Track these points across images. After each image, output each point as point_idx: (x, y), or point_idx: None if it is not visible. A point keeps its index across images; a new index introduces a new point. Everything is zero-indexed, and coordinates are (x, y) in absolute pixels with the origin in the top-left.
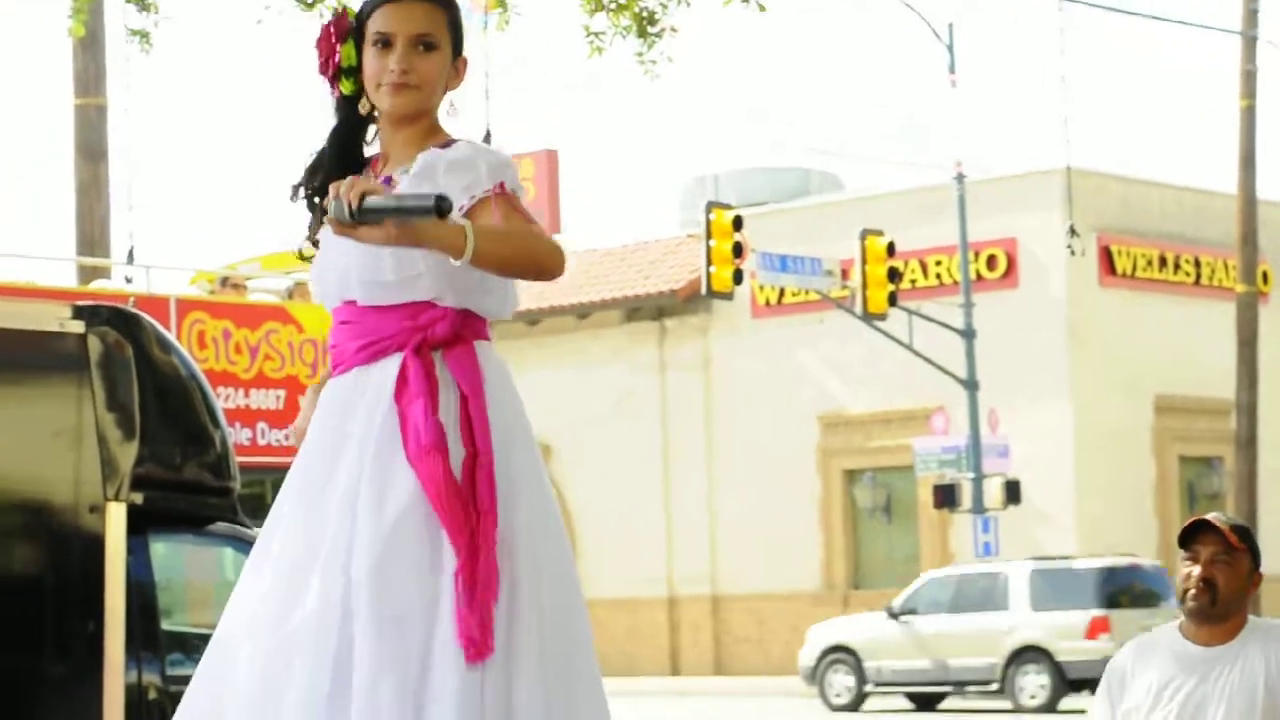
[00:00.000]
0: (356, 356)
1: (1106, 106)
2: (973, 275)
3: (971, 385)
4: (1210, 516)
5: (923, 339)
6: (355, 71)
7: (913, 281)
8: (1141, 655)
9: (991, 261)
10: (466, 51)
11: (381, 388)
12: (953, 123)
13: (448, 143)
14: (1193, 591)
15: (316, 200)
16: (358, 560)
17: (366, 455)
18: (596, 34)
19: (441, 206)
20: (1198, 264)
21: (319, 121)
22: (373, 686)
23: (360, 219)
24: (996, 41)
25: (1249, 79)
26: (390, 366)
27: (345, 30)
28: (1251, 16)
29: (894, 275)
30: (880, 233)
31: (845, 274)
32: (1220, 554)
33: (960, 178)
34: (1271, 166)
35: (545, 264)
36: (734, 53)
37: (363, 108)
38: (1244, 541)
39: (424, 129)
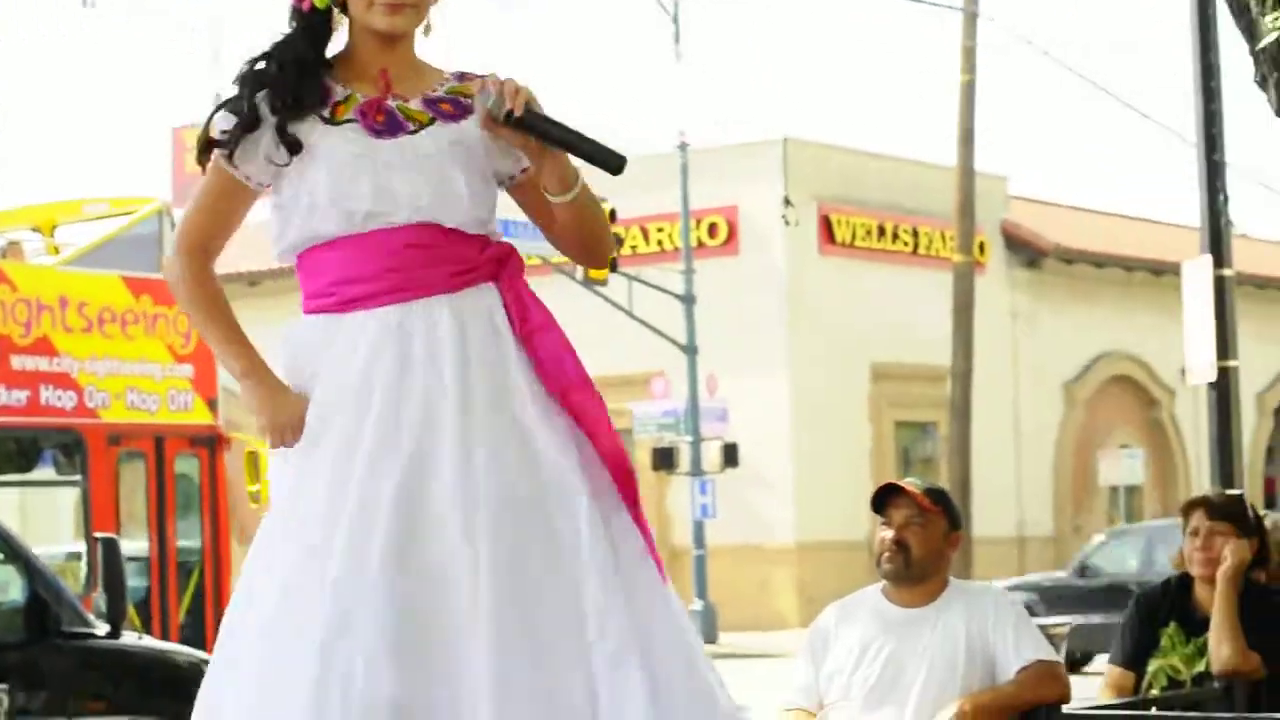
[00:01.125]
0: (450, 282)
1: (829, 79)
2: (694, 242)
3: (691, 350)
4: (904, 481)
5: (644, 305)
6: None
7: (634, 248)
8: (845, 617)
9: (713, 229)
10: None
11: (494, 318)
12: (677, 92)
13: (465, 75)
14: (886, 554)
15: (263, 115)
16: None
17: (489, 389)
18: None
19: (621, 166)
20: (916, 234)
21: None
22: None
23: (515, 123)
24: (722, 12)
25: (969, 54)
26: (486, 296)
27: None
28: None
29: (616, 241)
30: (603, 200)
31: None
32: (914, 517)
33: (683, 146)
34: (989, 140)
35: (607, 242)
36: (450, 28)
37: (337, 26)
38: (938, 504)
39: (411, 49)
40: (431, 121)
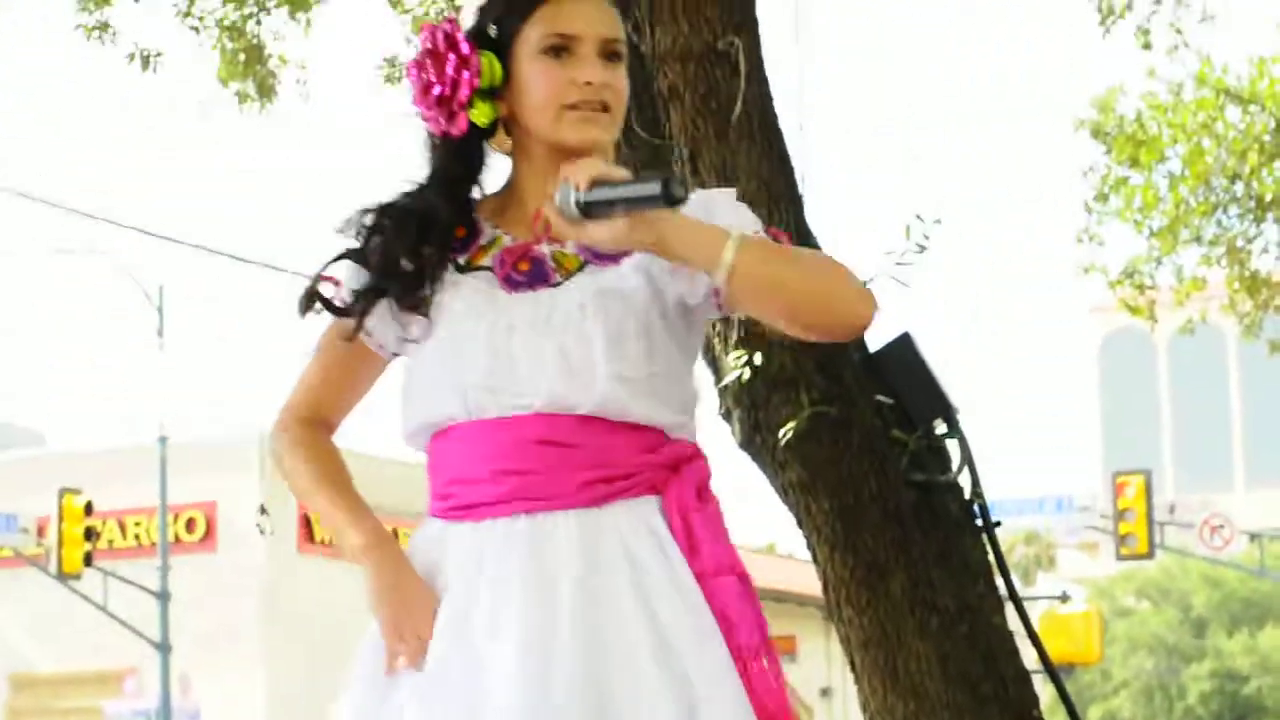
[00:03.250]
0: (580, 494)
1: None
2: (172, 538)
3: (164, 648)
4: None
5: (119, 600)
6: (494, 93)
7: (111, 542)
8: None
9: (191, 524)
10: None
11: (639, 544)
12: (159, 384)
13: None
14: None
15: (422, 272)
16: None
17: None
18: None
19: (672, 190)
20: (397, 535)
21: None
22: None
23: (592, 208)
24: (203, 306)
25: None
26: (644, 515)
27: (466, 38)
28: None
29: (91, 534)
30: (79, 491)
31: (42, 531)
32: None
33: (163, 439)
34: None
35: (846, 301)
36: None
37: (500, 146)
38: None
39: None
40: (581, 268)
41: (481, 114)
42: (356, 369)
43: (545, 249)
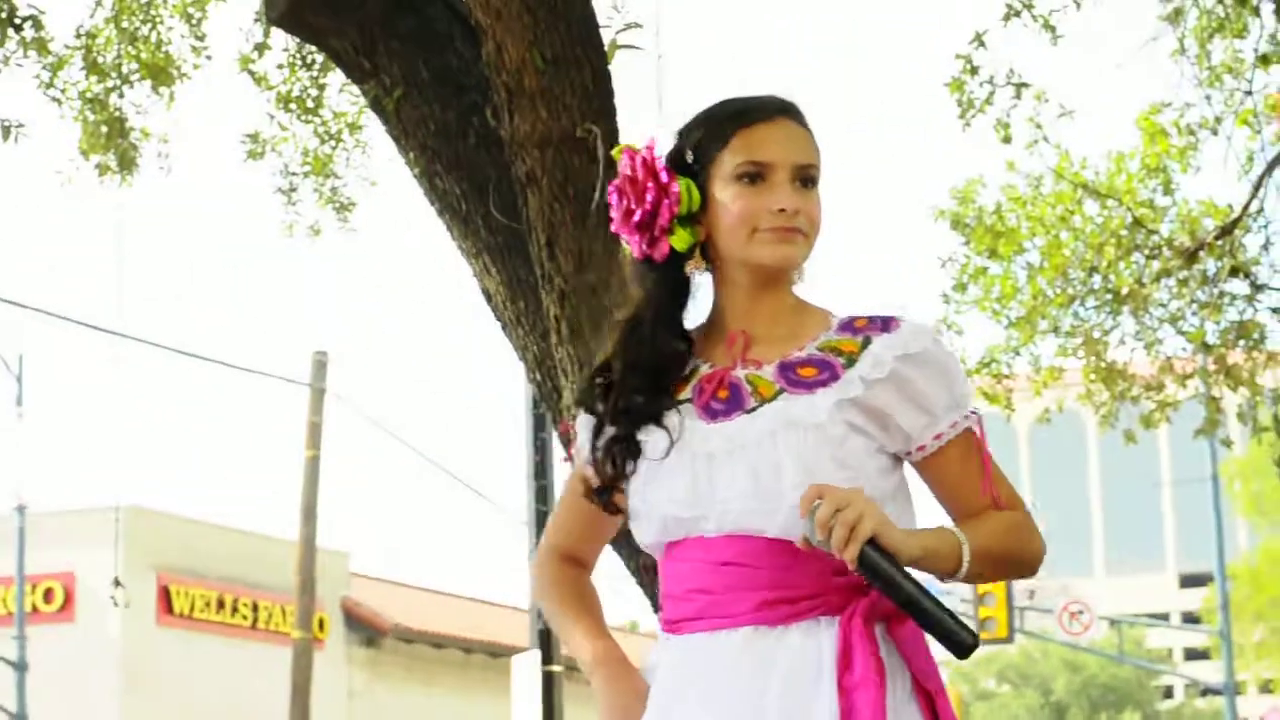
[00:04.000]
0: (758, 614)
1: (174, 448)
2: (29, 608)
3: (21, 719)
4: None
5: None
6: (692, 218)
7: None
8: None
9: (49, 595)
10: None
11: (806, 664)
12: (17, 453)
13: (854, 322)
14: None
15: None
16: None
17: None
18: None
19: (969, 648)
20: (256, 608)
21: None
22: None
23: (860, 566)
24: (63, 375)
25: (315, 430)
26: (818, 636)
27: (664, 164)
28: (320, 369)
29: None
30: None
31: None
32: None
33: (20, 508)
34: (332, 516)
35: (1038, 556)
36: None
37: (694, 269)
38: None
39: (788, 292)
40: (777, 395)
41: (681, 239)
42: (597, 517)
43: (741, 373)
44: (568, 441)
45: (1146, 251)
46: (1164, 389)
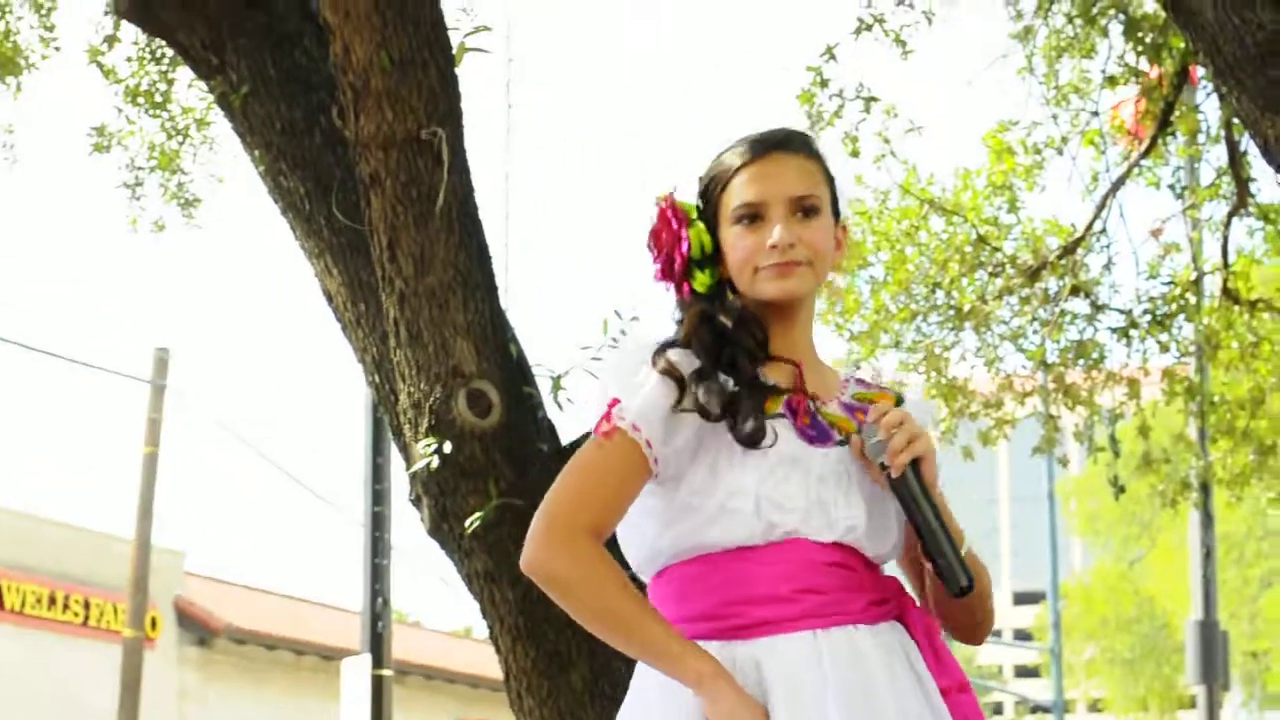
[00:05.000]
0: (868, 612)
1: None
2: None
3: None
4: None
5: None
6: (710, 261)
7: None
8: None
9: None
10: None
11: (899, 655)
12: None
13: (862, 380)
14: None
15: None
16: None
17: None
18: None
19: (965, 590)
20: (88, 605)
21: None
22: None
23: (892, 481)
24: None
25: (154, 426)
26: (897, 633)
27: (681, 211)
28: (161, 366)
29: None
30: None
31: None
32: None
33: None
34: (168, 513)
35: (986, 625)
36: None
37: (733, 305)
38: None
39: (809, 334)
40: (858, 432)
41: (700, 281)
42: (634, 489)
43: (812, 406)
44: (607, 409)
45: (990, 269)
46: (1003, 406)
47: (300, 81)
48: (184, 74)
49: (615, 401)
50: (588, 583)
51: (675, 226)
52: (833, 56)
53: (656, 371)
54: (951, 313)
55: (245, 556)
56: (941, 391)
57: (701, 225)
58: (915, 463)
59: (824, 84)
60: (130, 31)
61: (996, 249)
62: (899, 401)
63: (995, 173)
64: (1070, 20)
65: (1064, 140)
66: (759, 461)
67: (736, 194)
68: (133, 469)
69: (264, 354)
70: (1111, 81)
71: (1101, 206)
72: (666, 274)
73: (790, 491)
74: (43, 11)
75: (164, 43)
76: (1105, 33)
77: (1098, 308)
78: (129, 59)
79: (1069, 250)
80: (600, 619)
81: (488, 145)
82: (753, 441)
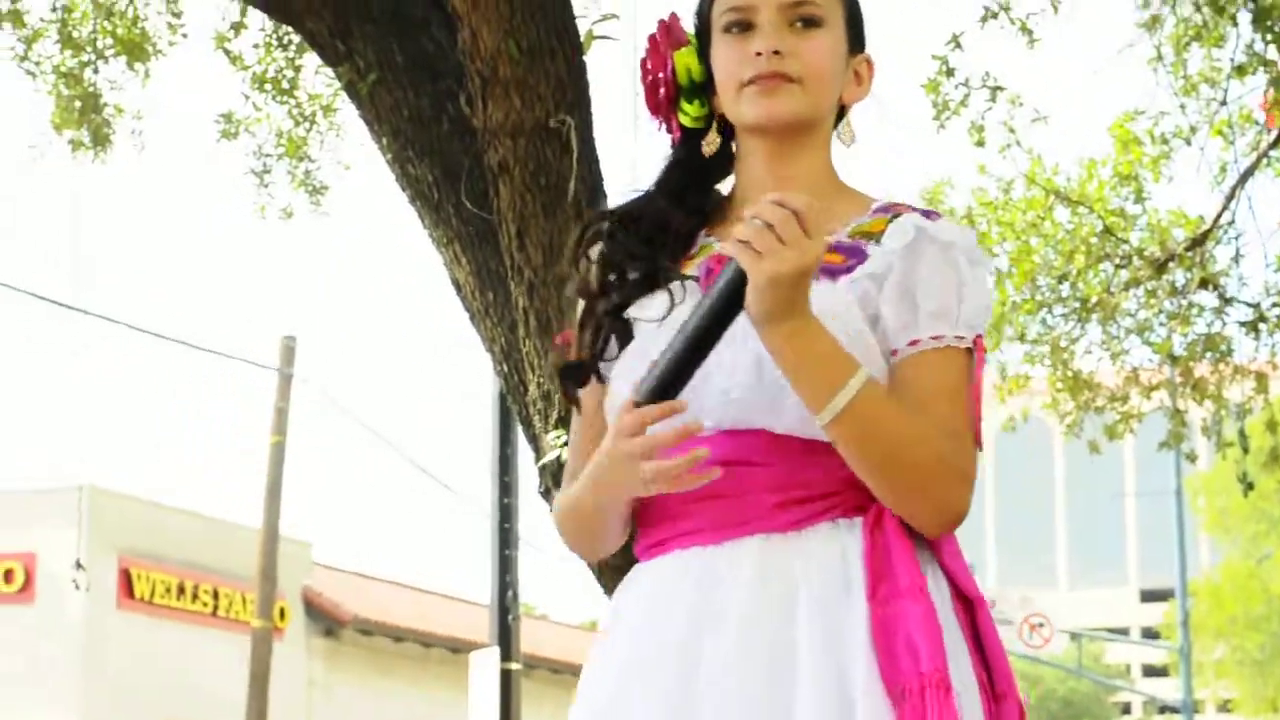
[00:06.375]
0: (775, 517)
1: (137, 429)
2: None
3: None
4: None
5: None
6: (701, 90)
7: None
8: None
9: (9, 575)
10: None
11: (830, 574)
12: None
13: (893, 206)
14: None
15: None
16: None
17: (813, 681)
18: None
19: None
20: (216, 595)
21: None
22: None
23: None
24: (28, 352)
25: (281, 415)
26: (839, 540)
27: (681, 34)
28: (288, 354)
29: None
30: None
31: None
32: None
33: None
34: (296, 504)
35: (922, 485)
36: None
37: (708, 146)
38: None
39: (822, 159)
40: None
41: (688, 115)
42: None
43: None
44: (565, 352)
45: (1116, 260)
46: (1129, 400)
47: (427, 69)
48: (311, 60)
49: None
50: (560, 521)
51: (663, 50)
52: (958, 45)
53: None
54: (1077, 305)
55: (373, 547)
56: (1067, 385)
57: (693, 49)
58: (743, 279)
59: (950, 73)
60: (257, 18)
61: (1123, 240)
62: (891, 220)
63: (1122, 163)
64: (1199, 8)
65: (1192, 130)
66: (645, 334)
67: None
68: (260, 458)
69: (391, 343)
70: (1240, 71)
71: (1230, 197)
72: (653, 107)
73: (647, 361)
74: None
75: (291, 29)
76: (1234, 21)
77: (1225, 300)
78: (256, 45)
79: (1197, 242)
80: (579, 531)
81: (615, 132)
82: (617, 311)
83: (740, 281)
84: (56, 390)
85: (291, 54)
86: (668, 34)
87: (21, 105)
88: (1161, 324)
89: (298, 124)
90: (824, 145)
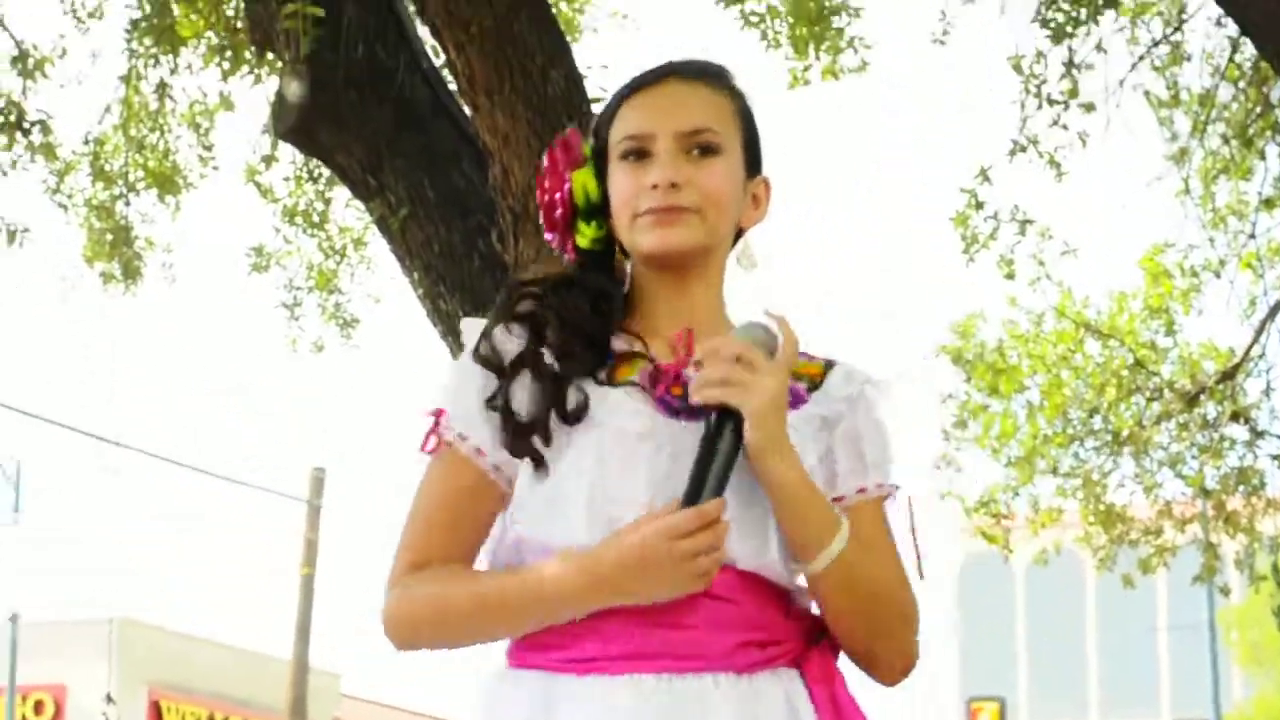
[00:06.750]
0: (735, 656)
1: (168, 561)
2: (19, 718)
3: None
4: None
5: None
6: (599, 211)
7: None
8: None
9: (39, 707)
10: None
11: (776, 712)
12: (13, 561)
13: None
14: None
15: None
16: None
17: None
18: None
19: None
20: None
21: None
22: None
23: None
24: (60, 484)
25: (311, 547)
26: (781, 687)
27: (579, 153)
28: (318, 485)
29: None
30: None
31: None
32: None
33: (14, 619)
34: (326, 634)
35: (900, 641)
36: None
37: (619, 270)
38: None
39: (717, 288)
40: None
41: (584, 235)
42: (481, 508)
43: (690, 374)
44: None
45: (1147, 393)
46: (1162, 533)
47: (458, 204)
48: (341, 193)
49: (441, 411)
50: (419, 611)
51: (561, 170)
52: (987, 178)
53: (474, 361)
54: (1109, 438)
55: (401, 678)
56: (1100, 518)
57: (590, 169)
58: (732, 416)
59: (979, 206)
60: (288, 151)
61: (1154, 373)
62: (827, 368)
63: (1152, 296)
64: (1226, 142)
65: (1221, 263)
66: (596, 437)
67: (621, 125)
68: (290, 589)
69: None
70: (1269, 204)
71: (1260, 331)
72: (549, 226)
73: (633, 476)
74: (201, 131)
75: (321, 162)
76: (1262, 155)
77: (1257, 434)
78: (286, 179)
79: (1228, 375)
80: (462, 628)
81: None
82: (577, 415)
83: (727, 428)
84: (89, 521)
85: (322, 187)
86: (566, 153)
87: (53, 238)
88: (1194, 457)
89: (328, 257)
90: (719, 272)
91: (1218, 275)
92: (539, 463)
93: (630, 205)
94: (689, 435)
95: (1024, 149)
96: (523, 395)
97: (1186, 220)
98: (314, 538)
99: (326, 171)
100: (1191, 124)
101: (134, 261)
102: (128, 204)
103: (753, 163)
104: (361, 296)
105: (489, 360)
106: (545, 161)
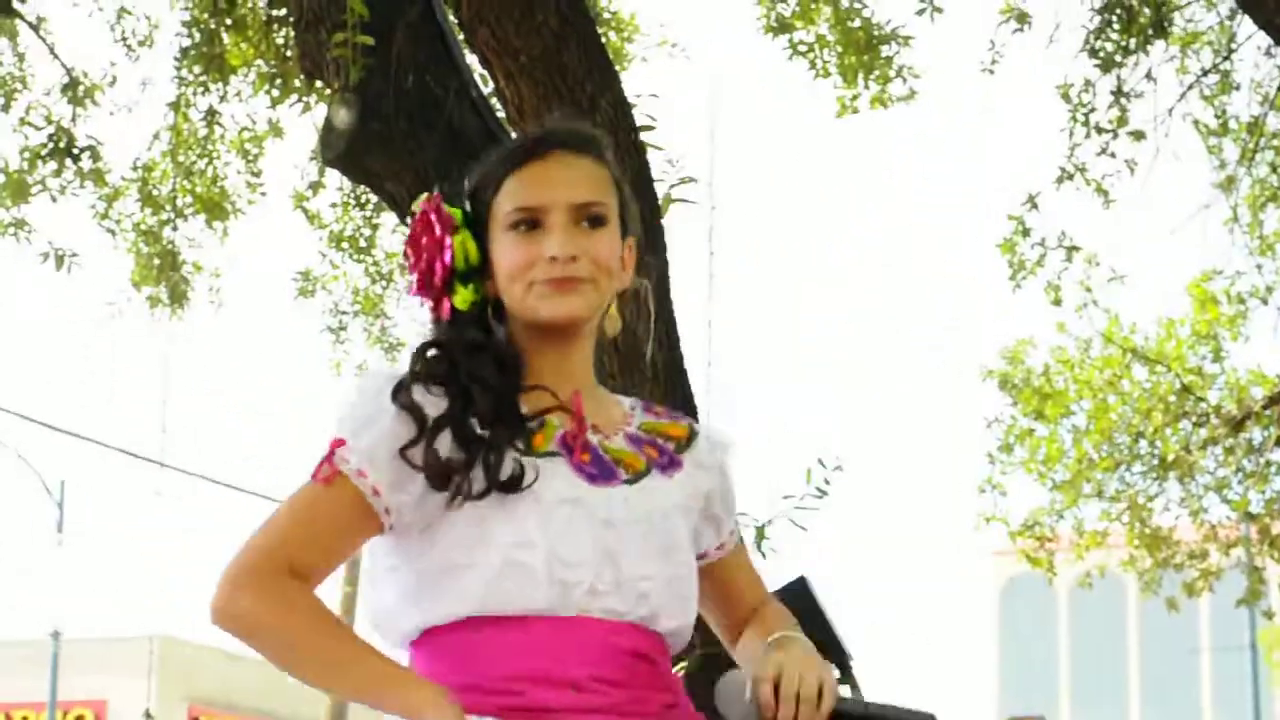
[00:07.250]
0: (662, 716)
1: (210, 580)
2: None
3: None
4: None
5: None
6: (475, 274)
7: None
8: None
9: None
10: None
11: None
12: (56, 579)
13: (651, 407)
14: None
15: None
16: None
17: None
18: None
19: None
20: None
21: None
22: None
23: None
24: (104, 503)
25: (353, 566)
26: None
27: (449, 216)
28: None
29: None
30: None
31: None
32: None
33: (55, 635)
34: None
35: None
36: None
37: (499, 335)
38: None
39: (591, 349)
40: (648, 471)
41: (463, 298)
42: (353, 540)
43: (593, 438)
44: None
45: (1194, 419)
46: (1207, 557)
47: None
48: (388, 219)
49: (340, 442)
50: (281, 621)
51: (439, 233)
52: (1034, 205)
53: (396, 405)
54: (1155, 462)
55: None
56: (1145, 542)
57: (468, 233)
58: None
59: (1026, 232)
60: (335, 177)
61: (1201, 399)
62: (691, 434)
63: (1199, 322)
64: (1274, 169)
65: (1268, 290)
66: (532, 506)
67: (511, 196)
68: (332, 607)
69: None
70: None
71: None
72: (424, 288)
73: (578, 542)
74: (249, 157)
75: (370, 189)
76: None
77: None
78: (333, 204)
79: (1274, 400)
80: (302, 660)
81: (691, 292)
82: (513, 484)
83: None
84: (133, 540)
85: (369, 213)
86: (439, 215)
87: (101, 262)
88: (1239, 481)
89: (374, 282)
90: (593, 334)
91: (1265, 302)
92: (512, 484)
93: (525, 274)
94: (614, 501)
95: (1071, 176)
96: (444, 454)
97: (1234, 247)
98: (356, 556)
99: (373, 198)
100: (1240, 152)
101: (181, 286)
102: (175, 229)
103: (624, 225)
104: (408, 321)
105: (412, 410)
106: (418, 223)
